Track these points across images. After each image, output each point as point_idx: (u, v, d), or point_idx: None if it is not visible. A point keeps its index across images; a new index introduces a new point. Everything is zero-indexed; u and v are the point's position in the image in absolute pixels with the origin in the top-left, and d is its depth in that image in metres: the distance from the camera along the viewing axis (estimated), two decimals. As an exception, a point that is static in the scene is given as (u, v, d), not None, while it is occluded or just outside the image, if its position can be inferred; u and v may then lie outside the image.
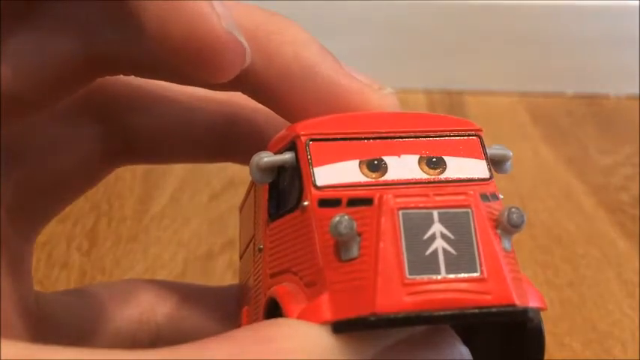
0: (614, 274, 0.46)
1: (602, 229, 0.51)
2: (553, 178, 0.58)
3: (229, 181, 0.54)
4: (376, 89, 0.22)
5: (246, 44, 0.20)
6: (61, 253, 0.45)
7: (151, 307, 0.27)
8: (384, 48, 0.72)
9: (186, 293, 0.28)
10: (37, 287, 0.26)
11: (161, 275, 0.44)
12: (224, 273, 0.44)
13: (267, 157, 0.20)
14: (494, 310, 0.17)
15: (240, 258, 0.27)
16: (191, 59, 0.19)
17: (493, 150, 0.21)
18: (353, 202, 0.18)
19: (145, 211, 0.50)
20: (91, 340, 0.26)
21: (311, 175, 0.19)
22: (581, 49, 0.74)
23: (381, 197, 0.18)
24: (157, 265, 0.45)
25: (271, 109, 0.23)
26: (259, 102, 0.24)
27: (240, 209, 0.27)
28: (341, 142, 0.19)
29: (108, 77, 0.25)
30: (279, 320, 0.18)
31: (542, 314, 0.19)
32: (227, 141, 0.26)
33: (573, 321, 0.41)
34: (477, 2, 0.72)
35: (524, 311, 0.17)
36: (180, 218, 0.50)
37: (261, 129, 0.26)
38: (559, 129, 0.67)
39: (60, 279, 0.43)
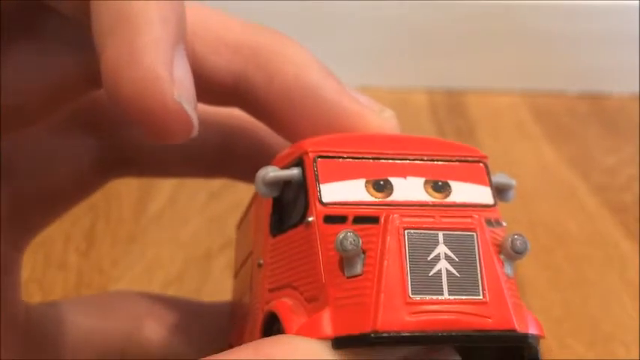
0: (617, 274, 0.45)
1: (605, 229, 0.51)
2: (555, 178, 0.58)
3: (228, 180, 0.54)
4: (377, 111, 0.22)
5: (194, 117, 0.19)
6: (59, 253, 0.44)
7: (142, 322, 0.27)
8: (385, 47, 0.72)
9: (179, 309, 0.28)
10: (34, 288, 0.25)
11: (160, 276, 0.43)
12: (223, 273, 0.44)
13: (273, 172, 0.20)
14: (494, 333, 0.17)
15: (235, 276, 0.27)
16: (135, 119, 0.19)
17: (497, 178, 0.21)
18: (359, 220, 0.19)
19: (143, 211, 0.50)
20: (79, 353, 0.26)
21: (317, 192, 0.19)
22: (584, 47, 0.73)
23: (387, 216, 0.18)
24: (155, 266, 0.44)
25: (270, 127, 0.23)
26: (259, 120, 0.23)
27: (238, 227, 0.27)
28: (348, 161, 0.20)
29: (102, 90, 0.25)
30: (280, 337, 0.18)
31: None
32: (225, 156, 0.26)
33: (576, 322, 0.41)
34: (478, 2, 0.72)
35: (524, 336, 0.18)
36: (178, 218, 0.49)
37: (260, 146, 0.26)
38: (561, 128, 0.67)
39: (57, 280, 0.42)
